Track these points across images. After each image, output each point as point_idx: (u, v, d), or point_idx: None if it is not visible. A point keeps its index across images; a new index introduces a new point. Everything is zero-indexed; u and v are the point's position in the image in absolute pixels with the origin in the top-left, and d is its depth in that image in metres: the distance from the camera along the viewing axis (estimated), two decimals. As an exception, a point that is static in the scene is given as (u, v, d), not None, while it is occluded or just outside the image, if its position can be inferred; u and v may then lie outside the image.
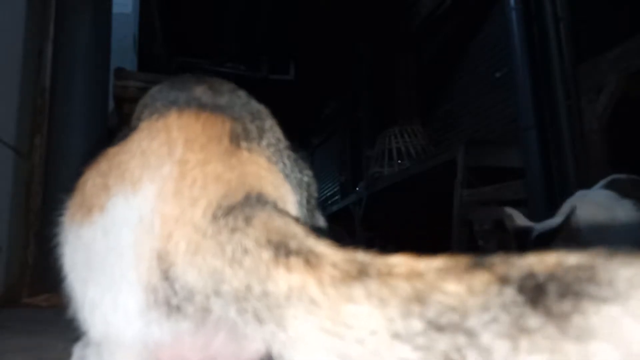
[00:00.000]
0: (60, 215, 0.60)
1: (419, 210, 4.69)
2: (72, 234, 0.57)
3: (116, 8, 3.21)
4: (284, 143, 0.63)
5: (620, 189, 1.87)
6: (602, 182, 2.02)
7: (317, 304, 0.37)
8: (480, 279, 0.33)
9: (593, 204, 1.67)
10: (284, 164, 0.60)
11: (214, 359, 0.53)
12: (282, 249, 0.42)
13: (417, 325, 0.33)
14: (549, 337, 0.30)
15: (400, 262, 0.37)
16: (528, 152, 3.22)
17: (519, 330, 0.30)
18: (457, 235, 3.59)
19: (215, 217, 0.49)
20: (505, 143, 3.85)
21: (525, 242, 1.68)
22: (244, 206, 0.49)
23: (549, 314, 0.30)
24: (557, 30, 3.19)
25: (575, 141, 3.06)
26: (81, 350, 0.64)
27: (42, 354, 1.05)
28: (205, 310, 0.48)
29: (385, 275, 0.36)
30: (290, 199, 0.58)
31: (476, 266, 0.34)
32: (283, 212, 0.49)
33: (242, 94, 0.68)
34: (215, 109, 0.60)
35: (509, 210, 1.80)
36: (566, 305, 0.30)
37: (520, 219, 1.77)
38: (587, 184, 2.16)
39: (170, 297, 0.49)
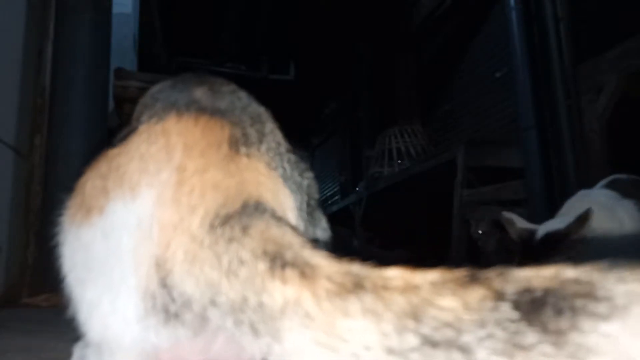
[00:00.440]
0: (60, 215, 0.60)
1: (419, 210, 4.68)
2: (72, 234, 0.57)
3: (116, 8, 3.20)
4: (284, 146, 0.63)
5: (622, 189, 1.86)
6: (603, 181, 2.01)
7: (312, 318, 0.37)
8: (476, 294, 0.33)
9: (594, 204, 1.66)
10: (284, 169, 0.60)
11: None
12: (278, 261, 0.42)
13: (412, 340, 0.33)
14: (545, 355, 0.29)
15: (396, 275, 0.37)
16: (528, 152, 3.21)
17: (514, 347, 0.30)
18: (457, 235, 3.59)
19: (212, 227, 0.48)
20: (505, 143, 3.84)
21: (530, 245, 1.65)
22: (242, 215, 0.49)
23: (545, 330, 0.30)
24: (557, 30, 3.18)
25: (575, 141, 3.05)
26: (81, 350, 0.64)
27: (42, 354, 1.05)
28: (203, 319, 0.48)
29: (381, 289, 0.36)
30: (289, 205, 0.58)
31: (472, 280, 0.34)
32: (280, 221, 0.49)
33: (243, 95, 0.67)
34: (215, 112, 0.60)
35: (508, 214, 1.77)
36: (563, 322, 0.30)
37: (520, 222, 1.75)
38: (587, 184, 2.15)
39: (168, 304, 0.49)
